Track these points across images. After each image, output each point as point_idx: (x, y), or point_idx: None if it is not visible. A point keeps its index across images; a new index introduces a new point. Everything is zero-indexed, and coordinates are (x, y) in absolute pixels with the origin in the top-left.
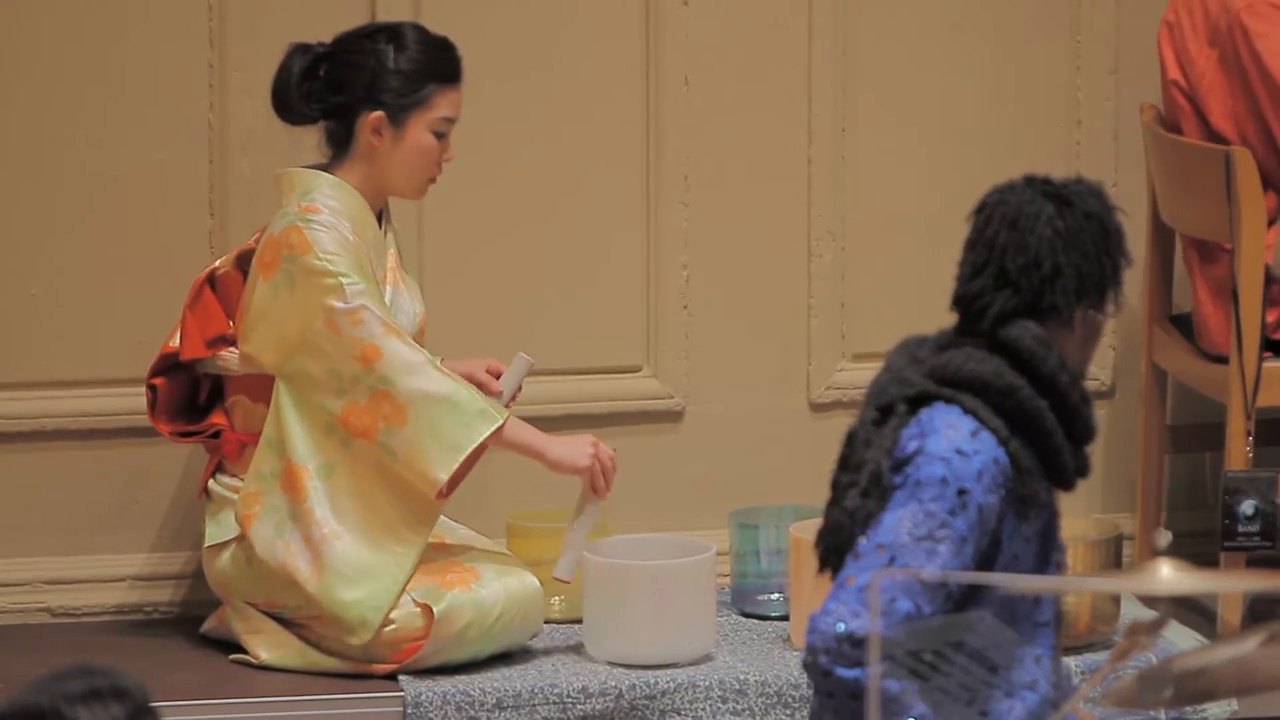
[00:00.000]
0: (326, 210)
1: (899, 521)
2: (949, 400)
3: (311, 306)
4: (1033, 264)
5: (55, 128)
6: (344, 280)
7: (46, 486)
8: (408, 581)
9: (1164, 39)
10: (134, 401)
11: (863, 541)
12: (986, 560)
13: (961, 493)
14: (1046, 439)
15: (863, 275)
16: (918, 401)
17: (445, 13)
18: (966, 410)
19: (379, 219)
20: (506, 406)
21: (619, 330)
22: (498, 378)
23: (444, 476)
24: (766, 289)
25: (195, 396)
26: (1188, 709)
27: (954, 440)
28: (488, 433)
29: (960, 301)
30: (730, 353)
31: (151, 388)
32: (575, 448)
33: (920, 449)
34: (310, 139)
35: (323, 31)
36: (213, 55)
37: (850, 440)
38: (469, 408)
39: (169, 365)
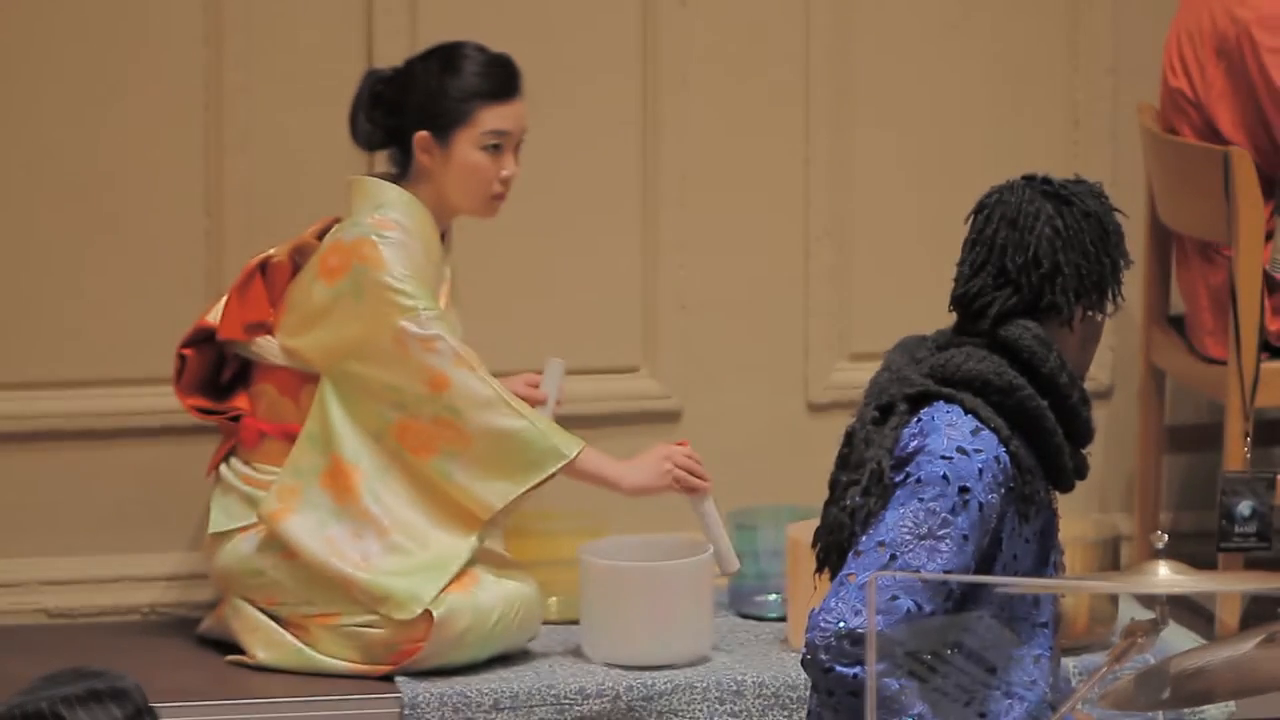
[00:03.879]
0: (399, 228)
1: (900, 519)
2: (950, 399)
3: (380, 321)
4: (1032, 263)
5: (52, 128)
6: (420, 305)
7: (43, 487)
8: (461, 570)
9: (1171, 46)
10: (132, 402)
11: (864, 539)
12: (987, 560)
13: (963, 491)
14: (1046, 439)
15: (860, 276)
16: (918, 400)
17: (442, 13)
18: (967, 409)
19: (442, 239)
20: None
21: (616, 330)
22: (536, 387)
23: (498, 505)
24: (764, 289)
25: (218, 374)
26: (1185, 710)
27: (955, 439)
28: (553, 469)
29: (959, 301)
30: (728, 353)
31: (181, 357)
32: (649, 472)
33: (921, 447)
34: (316, 141)
35: (318, 30)
36: (208, 54)
37: (849, 439)
38: (538, 445)
39: (201, 339)
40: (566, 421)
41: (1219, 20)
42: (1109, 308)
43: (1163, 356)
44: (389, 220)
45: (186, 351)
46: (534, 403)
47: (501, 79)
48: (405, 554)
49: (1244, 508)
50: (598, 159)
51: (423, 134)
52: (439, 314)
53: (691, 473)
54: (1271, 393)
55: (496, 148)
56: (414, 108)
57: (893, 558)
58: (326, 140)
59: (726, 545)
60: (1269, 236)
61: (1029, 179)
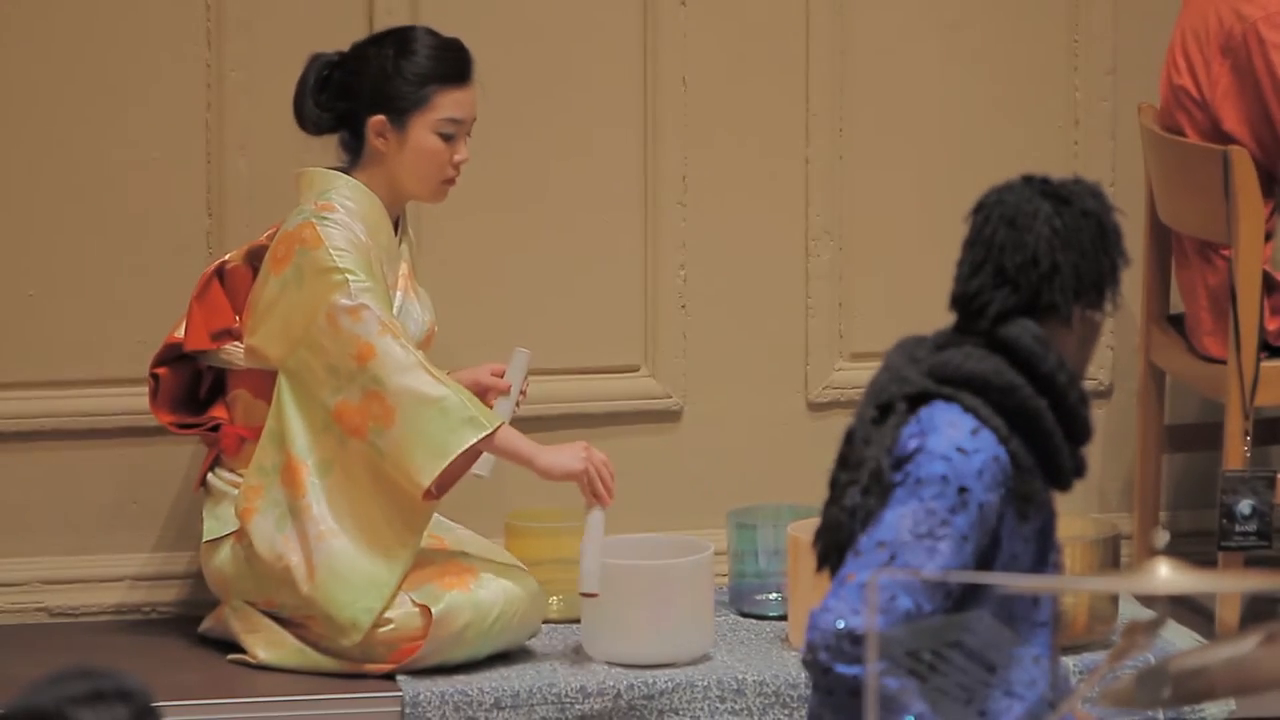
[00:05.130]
0: (342, 210)
1: (900, 519)
2: (949, 399)
3: (317, 301)
4: (1031, 262)
5: (53, 128)
6: (350, 277)
7: (44, 486)
8: (401, 584)
9: (1175, 44)
10: (132, 401)
11: (863, 539)
12: (985, 559)
13: (962, 491)
14: (1045, 438)
15: (860, 275)
16: (917, 400)
17: (444, 12)
18: (966, 409)
19: (396, 226)
20: (517, 404)
21: (617, 330)
22: (501, 376)
23: (426, 482)
24: (764, 289)
25: (196, 389)
26: (1186, 709)
27: (955, 438)
28: (472, 440)
29: (958, 300)
30: (728, 352)
31: (154, 377)
32: (565, 454)
33: (921, 447)
34: (315, 140)
35: (320, 30)
36: (210, 55)
37: (849, 439)
38: (457, 414)
39: (173, 356)
40: (568, 422)
41: (1225, 18)
42: (1107, 307)
43: (1162, 356)
44: (332, 203)
45: (159, 370)
46: (498, 392)
47: (457, 63)
48: (342, 566)
49: (1244, 506)
50: (598, 159)
51: (378, 118)
52: (371, 286)
53: (602, 480)
54: (1271, 392)
55: (451, 134)
56: (367, 91)
57: (892, 557)
58: (328, 141)
59: (597, 566)
60: (1269, 236)
61: (1028, 179)
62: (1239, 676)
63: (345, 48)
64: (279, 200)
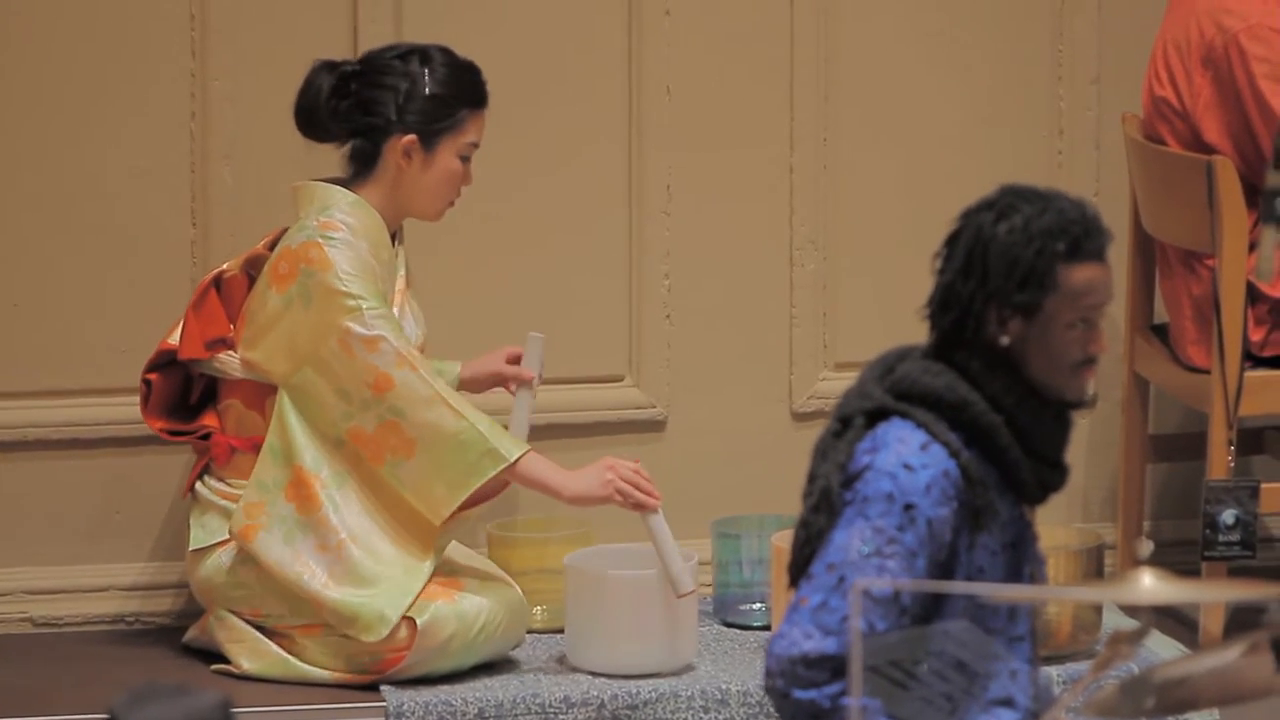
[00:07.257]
0: (345, 228)
1: (849, 539)
2: (903, 415)
3: (327, 324)
4: (938, 274)
5: (37, 137)
6: (364, 305)
7: (29, 496)
8: (425, 586)
9: (1157, 55)
10: (117, 411)
11: (815, 562)
12: (945, 574)
13: (909, 508)
14: (1002, 453)
15: (845, 284)
16: (876, 416)
17: (427, 20)
18: (918, 424)
19: (393, 239)
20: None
21: (602, 340)
22: (517, 362)
23: (446, 513)
24: (749, 298)
25: (187, 395)
26: (1170, 719)
27: (902, 455)
28: (492, 473)
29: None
30: (712, 362)
31: (146, 383)
32: (592, 481)
33: (870, 464)
34: (302, 149)
35: (304, 40)
36: (194, 64)
37: (816, 452)
38: (476, 447)
39: (165, 362)
40: (554, 431)
41: (1206, 30)
42: (997, 332)
43: (1146, 365)
44: (335, 221)
45: (151, 376)
46: (519, 381)
47: (482, 87)
48: (366, 570)
49: (1227, 516)
50: (583, 169)
51: (408, 138)
52: (384, 313)
53: (637, 488)
54: (1254, 401)
55: (469, 156)
56: (396, 109)
57: (841, 580)
58: (312, 150)
59: (679, 566)
60: (1252, 246)
61: (1007, 191)
62: (1223, 686)
63: (331, 56)
64: (263, 209)
